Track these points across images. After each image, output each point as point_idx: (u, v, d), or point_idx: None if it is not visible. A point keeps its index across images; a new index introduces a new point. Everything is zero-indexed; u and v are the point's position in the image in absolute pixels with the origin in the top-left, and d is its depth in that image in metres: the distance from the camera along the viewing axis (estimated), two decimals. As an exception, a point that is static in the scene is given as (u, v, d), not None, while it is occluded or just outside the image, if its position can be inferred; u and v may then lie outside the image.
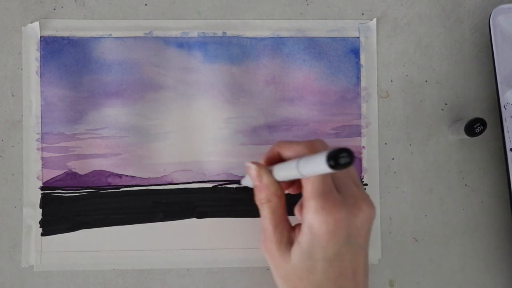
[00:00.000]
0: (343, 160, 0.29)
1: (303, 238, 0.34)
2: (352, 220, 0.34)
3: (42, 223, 0.44)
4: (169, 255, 0.44)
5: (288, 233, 0.36)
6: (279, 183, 0.36)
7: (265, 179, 0.36)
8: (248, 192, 0.45)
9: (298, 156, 0.34)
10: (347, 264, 0.34)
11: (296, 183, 0.38)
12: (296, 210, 0.38)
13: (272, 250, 0.35)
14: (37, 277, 0.44)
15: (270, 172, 0.36)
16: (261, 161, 0.38)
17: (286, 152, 0.36)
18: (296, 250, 0.34)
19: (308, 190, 0.34)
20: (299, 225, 0.36)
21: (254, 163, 0.37)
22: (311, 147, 0.35)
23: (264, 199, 0.36)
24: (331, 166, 0.29)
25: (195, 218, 0.45)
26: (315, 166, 0.30)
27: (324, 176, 0.34)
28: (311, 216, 0.33)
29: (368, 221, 0.35)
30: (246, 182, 0.42)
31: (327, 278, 0.34)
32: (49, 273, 0.44)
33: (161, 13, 0.46)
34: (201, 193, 0.45)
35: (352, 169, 0.37)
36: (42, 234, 0.44)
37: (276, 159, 0.37)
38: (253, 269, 0.45)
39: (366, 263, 0.36)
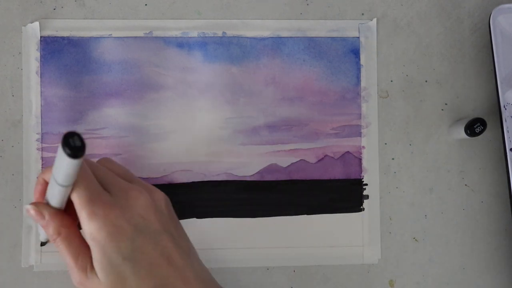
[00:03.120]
0: (75, 143, 0.28)
1: (93, 252, 0.32)
2: (130, 212, 0.33)
3: (42, 223, 0.44)
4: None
5: (91, 258, 0.33)
6: (62, 213, 0.34)
7: (46, 213, 0.34)
8: (248, 192, 0.45)
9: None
10: (153, 253, 0.32)
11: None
12: None
13: (82, 282, 0.33)
14: (37, 277, 0.44)
15: (48, 205, 0.34)
16: (35, 199, 0.36)
17: (48, 175, 0.33)
18: (97, 267, 0.32)
19: (76, 202, 0.32)
20: None
21: (31, 204, 0.34)
22: None
23: (53, 234, 0.34)
24: (68, 155, 0.28)
25: (195, 218, 0.45)
26: (59, 163, 0.30)
27: (88, 183, 0.32)
28: (87, 226, 0.32)
29: (149, 205, 0.34)
30: (42, 235, 0.38)
31: (138, 276, 0.32)
32: (49, 273, 0.44)
33: (161, 13, 0.46)
34: (201, 193, 0.45)
35: (114, 164, 0.36)
36: (42, 234, 0.44)
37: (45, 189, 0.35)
38: (253, 269, 0.45)
39: (178, 245, 0.34)
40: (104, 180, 0.34)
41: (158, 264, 0.32)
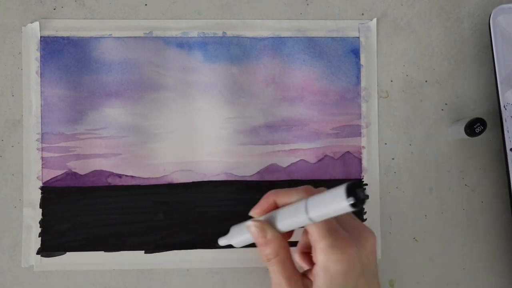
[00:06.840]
0: (360, 195, 0.27)
1: (320, 281, 0.33)
2: (362, 251, 0.34)
3: (42, 223, 0.44)
4: (169, 255, 0.44)
5: (301, 281, 0.35)
6: (282, 236, 0.35)
7: (269, 234, 0.34)
8: (248, 192, 0.45)
9: (297, 201, 0.33)
10: None
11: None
12: (296, 256, 0.37)
13: None
14: (37, 277, 0.44)
15: (272, 225, 0.35)
16: (254, 213, 0.37)
17: (283, 199, 0.35)
18: None
19: (315, 232, 0.33)
20: (309, 271, 0.36)
21: (253, 220, 0.35)
22: (310, 192, 0.34)
23: (271, 254, 0.35)
24: (351, 205, 0.27)
25: (195, 218, 0.45)
26: (330, 206, 0.29)
27: None
28: (324, 257, 0.33)
29: (374, 248, 0.35)
30: (230, 239, 0.38)
31: None
32: (49, 273, 0.44)
33: (161, 13, 0.46)
34: (201, 193, 0.45)
35: None
36: (42, 234, 0.44)
37: (271, 209, 0.36)
38: (253, 269, 0.45)
39: (379, 286, 0.36)
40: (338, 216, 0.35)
41: None
